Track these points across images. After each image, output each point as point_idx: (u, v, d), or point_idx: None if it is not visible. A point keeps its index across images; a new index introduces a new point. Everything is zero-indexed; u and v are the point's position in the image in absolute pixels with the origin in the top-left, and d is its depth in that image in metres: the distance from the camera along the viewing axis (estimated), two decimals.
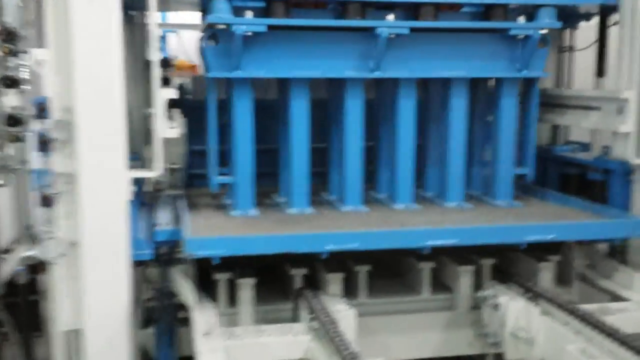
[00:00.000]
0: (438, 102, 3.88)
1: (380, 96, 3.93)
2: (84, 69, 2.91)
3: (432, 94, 3.94)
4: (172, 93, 3.10)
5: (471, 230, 3.29)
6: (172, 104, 4.12)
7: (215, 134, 3.50)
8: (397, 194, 3.74)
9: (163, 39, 11.74)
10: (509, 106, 3.79)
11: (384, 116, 3.90)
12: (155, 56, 3.02)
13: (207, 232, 3.15)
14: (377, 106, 3.96)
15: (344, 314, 2.95)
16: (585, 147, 4.29)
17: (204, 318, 2.92)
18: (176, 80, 6.07)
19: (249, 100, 3.51)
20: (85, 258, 3.02)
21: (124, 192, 3.02)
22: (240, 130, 3.52)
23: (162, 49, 11.97)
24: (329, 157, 3.94)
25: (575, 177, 4.20)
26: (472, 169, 4.02)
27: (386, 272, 3.80)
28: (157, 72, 3.05)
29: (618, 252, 3.83)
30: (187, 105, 4.24)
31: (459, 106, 3.73)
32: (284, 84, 3.70)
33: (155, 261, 3.52)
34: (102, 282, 3.04)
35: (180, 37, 9.71)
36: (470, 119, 3.85)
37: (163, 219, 3.47)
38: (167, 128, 3.07)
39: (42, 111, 3.06)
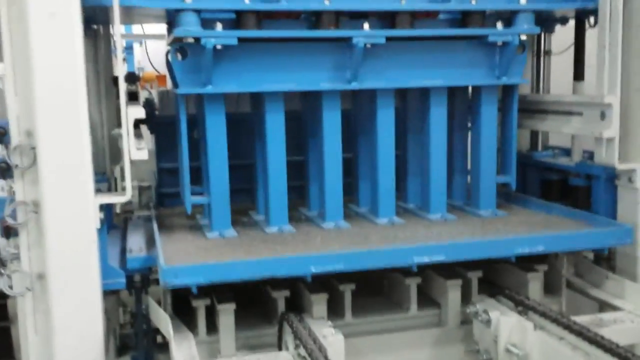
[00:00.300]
0: (417, 112, 3.77)
1: (358, 107, 3.80)
2: (44, 88, 2.70)
3: (410, 103, 3.83)
4: (140, 112, 2.92)
5: (458, 245, 3.18)
6: (140, 120, 3.99)
7: (186, 153, 3.33)
8: (379, 207, 3.62)
9: (129, 49, 11.52)
10: (489, 114, 3.71)
11: (362, 127, 3.78)
12: (121, 72, 2.83)
13: (183, 259, 2.97)
14: (354, 117, 3.83)
15: (332, 340, 2.81)
16: (565, 152, 4.22)
17: (182, 351, 2.74)
18: (143, 94, 5.91)
19: (221, 116, 3.35)
20: (53, 292, 2.81)
21: (93, 220, 2.83)
22: (213, 148, 3.36)
23: (129, 60, 11.68)
24: (306, 170, 3.80)
25: (557, 183, 4.14)
26: (453, 178, 3.93)
27: (371, 289, 3.66)
28: (123, 90, 2.86)
29: (604, 259, 3.77)
30: (155, 121, 4.09)
31: (438, 115, 3.63)
32: (257, 98, 3.55)
33: (129, 289, 3.34)
34: (72, 317, 2.83)
35: (146, 48, 9.49)
36: (449, 127, 3.75)
37: (135, 244, 3.29)
38: (136, 149, 2.88)
39: (2, 135, 2.87)
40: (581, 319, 3.02)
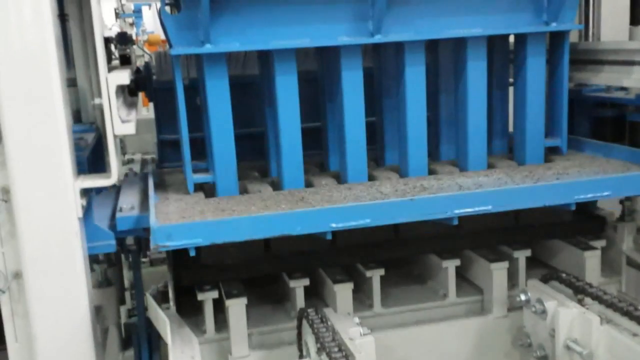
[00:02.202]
0: (451, 68, 3.23)
1: (382, 64, 3.28)
2: (4, 48, 2.24)
3: (443, 57, 3.28)
4: (123, 78, 2.44)
5: (507, 192, 2.66)
6: (136, 86, 3.53)
7: (185, 124, 2.84)
8: (408, 166, 3.06)
9: (138, 13, 11.01)
10: (536, 67, 3.14)
11: (386, 87, 3.26)
12: (98, 30, 2.35)
13: (179, 218, 2.51)
14: (378, 76, 3.31)
15: (361, 343, 2.36)
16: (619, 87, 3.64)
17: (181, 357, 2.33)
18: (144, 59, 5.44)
19: (224, 80, 2.84)
20: (32, 292, 2.40)
21: (73, 207, 2.39)
22: (216, 117, 2.86)
23: (137, 25, 11.24)
24: (325, 139, 3.30)
25: (613, 120, 3.59)
26: (492, 144, 3.38)
27: (402, 275, 3.22)
28: (102, 52, 2.38)
29: None
30: (153, 88, 3.62)
31: (477, 70, 3.07)
32: (265, 57, 3.04)
33: (124, 254, 2.92)
34: (55, 320, 2.43)
35: (157, 9, 9.00)
36: (488, 85, 3.21)
37: (126, 202, 2.80)
38: (120, 122, 2.42)
39: None
40: None
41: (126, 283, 4.52)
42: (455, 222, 2.61)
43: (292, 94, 2.90)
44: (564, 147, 3.30)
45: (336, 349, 2.25)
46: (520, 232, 3.18)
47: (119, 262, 3.88)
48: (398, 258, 3.21)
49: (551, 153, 3.28)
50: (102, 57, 2.38)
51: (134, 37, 7.42)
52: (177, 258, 2.94)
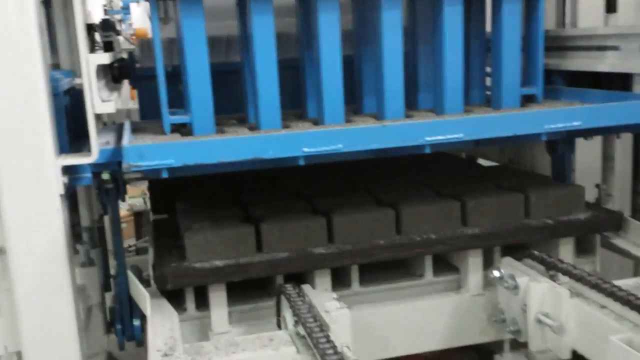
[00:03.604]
0: (429, 14, 3.20)
1: (359, 11, 3.28)
2: None
3: (420, 3, 3.29)
4: (103, 58, 2.50)
5: (479, 120, 2.75)
6: (120, 74, 3.58)
7: (161, 57, 2.83)
8: (385, 112, 3.04)
9: (126, 9, 11.09)
10: (511, 14, 3.13)
11: (364, 35, 3.27)
12: (79, 10, 2.40)
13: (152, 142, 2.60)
14: (355, 24, 3.33)
15: (336, 315, 2.42)
16: None
17: (161, 334, 2.38)
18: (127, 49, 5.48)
19: (199, 16, 2.80)
20: (14, 268, 2.45)
21: (55, 185, 2.44)
22: (192, 54, 2.83)
23: (125, 21, 11.33)
24: (303, 84, 3.29)
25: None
26: (470, 93, 3.40)
27: None
28: (82, 33, 2.43)
29: None
30: (137, 75, 3.67)
31: (453, 14, 3.03)
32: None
33: (100, 194, 2.95)
34: (38, 295, 2.48)
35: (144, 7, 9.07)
36: (466, 34, 3.20)
37: (102, 138, 2.85)
38: (101, 101, 2.47)
39: None
40: (624, 283, 2.61)
41: (112, 271, 4.56)
42: (427, 150, 2.70)
43: (268, 32, 2.86)
44: (539, 95, 3.33)
45: (312, 320, 2.31)
46: None
47: (103, 244, 3.93)
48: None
49: (527, 101, 3.33)
50: (82, 38, 2.42)
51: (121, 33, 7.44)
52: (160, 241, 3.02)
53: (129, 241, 7.93)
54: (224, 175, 3.69)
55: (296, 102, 3.36)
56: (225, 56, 3.91)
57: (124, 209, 8.88)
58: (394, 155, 3.12)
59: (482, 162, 4.56)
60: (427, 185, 3.40)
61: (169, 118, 2.90)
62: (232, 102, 3.45)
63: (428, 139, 2.63)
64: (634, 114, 2.83)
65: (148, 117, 3.72)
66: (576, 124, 2.76)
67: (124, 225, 8.44)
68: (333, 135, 2.56)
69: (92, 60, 2.46)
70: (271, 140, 2.52)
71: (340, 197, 3.22)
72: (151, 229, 3.42)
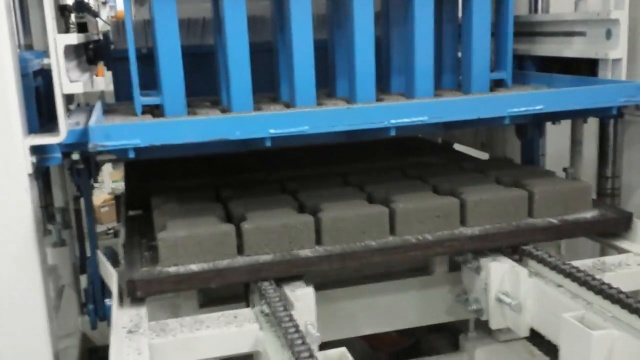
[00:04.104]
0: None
1: None
2: None
3: None
4: (71, 38, 2.52)
5: (443, 104, 2.80)
6: (95, 55, 3.59)
7: (133, 37, 2.85)
8: (356, 95, 3.04)
9: None
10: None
11: (336, 19, 3.30)
12: None
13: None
14: (329, 8, 3.37)
15: (300, 294, 2.47)
16: None
17: (128, 310, 2.42)
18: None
19: None
20: None
21: (23, 165, 2.46)
22: (163, 33, 2.83)
23: (108, 2, 11.26)
24: (275, 67, 3.32)
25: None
26: (442, 77, 3.47)
27: None
28: (50, 12, 2.45)
29: (608, 195, 3.43)
30: (111, 57, 3.69)
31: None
32: None
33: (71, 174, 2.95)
34: (7, 278, 2.51)
35: None
36: (438, 19, 3.24)
37: (73, 119, 2.85)
38: (69, 81, 2.49)
39: None
40: (582, 263, 2.69)
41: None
42: (393, 133, 2.72)
43: (240, 15, 2.86)
44: (509, 80, 3.39)
45: (276, 299, 2.36)
46: None
47: (80, 228, 3.95)
48: None
49: (497, 86, 3.38)
50: (50, 18, 2.44)
51: (105, 17, 7.41)
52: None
53: (112, 224, 7.96)
54: (202, 167, 3.71)
55: (272, 86, 3.40)
56: (201, 38, 3.93)
57: (105, 192, 8.90)
58: (364, 139, 3.17)
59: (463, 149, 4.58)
60: (420, 179, 3.29)
61: (140, 99, 2.92)
62: (210, 84, 3.48)
63: (393, 121, 2.67)
64: (594, 99, 2.89)
65: (123, 99, 3.73)
66: (538, 107, 2.81)
67: (105, 209, 8.50)
68: (299, 117, 2.61)
69: (60, 41, 2.47)
70: (238, 121, 2.55)
71: (328, 190, 3.11)
72: (123, 225, 3.22)
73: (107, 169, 8.00)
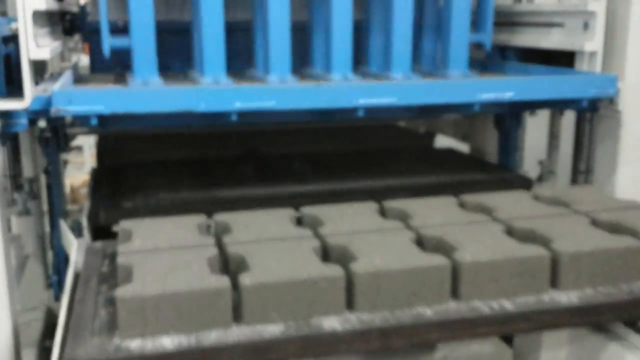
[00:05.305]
0: None
1: None
2: None
3: None
4: (40, 3, 2.48)
5: (413, 87, 2.77)
6: (71, 27, 3.55)
7: None
8: (333, 63, 2.98)
9: None
10: None
11: None
12: None
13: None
14: None
15: None
16: None
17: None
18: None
19: None
20: None
21: None
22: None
23: None
24: (252, 34, 3.22)
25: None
26: (422, 41, 3.40)
27: None
28: None
29: None
30: (87, 29, 3.65)
31: None
32: None
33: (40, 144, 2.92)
34: None
35: None
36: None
37: (40, 87, 2.76)
38: (36, 46, 2.46)
39: None
40: None
41: None
42: (361, 114, 2.69)
43: None
44: (488, 42, 3.33)
45: None
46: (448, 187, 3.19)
47: (51, 201, 3.92)
48: None
49: (477, 66, 3.34)
50: None
51: None
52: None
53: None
54: (190, 176, 3.37)
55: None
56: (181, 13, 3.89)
57: (86, 173, 8.83)
58: (334, 119, 3.12)
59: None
60: (481, 211, 2.57)
61: (109, 40, 2.79)
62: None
63: (362, 101, 2.65)
64: (565, 89, 2.88)
65: (98, 71, 3.70)
66: (508, 95, 2.80)
67: (85, 190, 8.42)
68: (266, 92, 2.58)
69: (28, 5, 2.44)
70: (203, 93, 2.53)
71: (358, 222, 2.39)
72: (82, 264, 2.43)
73: (88, 149, 7.92)
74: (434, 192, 3.07)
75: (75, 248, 2.51)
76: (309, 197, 3.03)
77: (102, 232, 2.82)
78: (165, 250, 2.12)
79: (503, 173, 3.52)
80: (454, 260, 2.04)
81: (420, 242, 2.23)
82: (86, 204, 3.06)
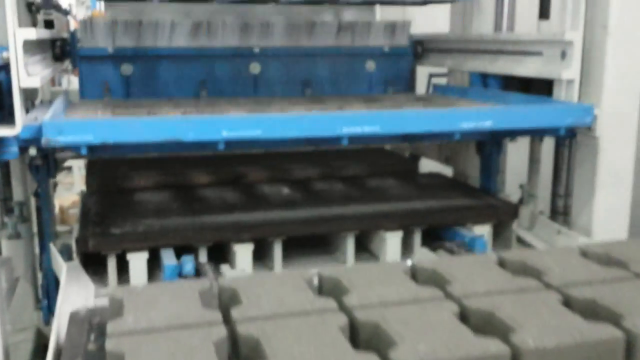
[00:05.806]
0: None
1: None
2: None
3: None
4: (30, 33, 2.55)
5: (395, 116, 2.88)
6: (61, 53, 3.62)
7: None
8: None
9: None
10: None
11: None
12: None
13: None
14: None
15: None
16: None
17: (74, 301, 2.43)
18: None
19: None
20: None
21: None
22: None
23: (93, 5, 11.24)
24: None
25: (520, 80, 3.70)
26: None
27: (304, 242, 3.38)
28: (11, 8, 2.47)
29: (560, 213, 3.51)
30: (78, 54, 3.74)
31: None
32: None
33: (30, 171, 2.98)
34: None
35: None
36: None
37: (31, 115, 2.85)
38: (26, 75, 2.52)
39: None
40: None
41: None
42: (345, 143, 2.77)
43: None
44: None
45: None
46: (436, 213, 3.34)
47: (41, 224, 3.95)
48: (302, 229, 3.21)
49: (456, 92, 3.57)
50: (10, 11, 2.47)
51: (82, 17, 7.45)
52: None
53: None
54: (178, 199, 3.38)
55: None
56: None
57: (75, 194, 8.84)
58: (321, 147, 3.20)
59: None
60: (524, 271, 2.06)
61: None
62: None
63: (346, 130, 2.73)
64: (542, 119, 2.98)
65: (88, 97, 3.77)
66: (487, 123, 2.89)
67: (74, 211, 8.42)
68: (252, 122, 2.66)
69: (19, 34, 2.50)
70: (191, 123, 2.60)
71: (385, 289, 1.89)
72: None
73: (77, 170, 7.94)
74: (421, 218, 3.23)
75: (65, 271, 2.54)
76: (297, 223, 3.14)
77: (91, 257, 2.88)
78: (163, 331, 1.66)
79: (488, 199, 3.60)
80: (513, 345, 1.59)
81: (466, 317, 1.77)
82: (76, 228, 3.10)
